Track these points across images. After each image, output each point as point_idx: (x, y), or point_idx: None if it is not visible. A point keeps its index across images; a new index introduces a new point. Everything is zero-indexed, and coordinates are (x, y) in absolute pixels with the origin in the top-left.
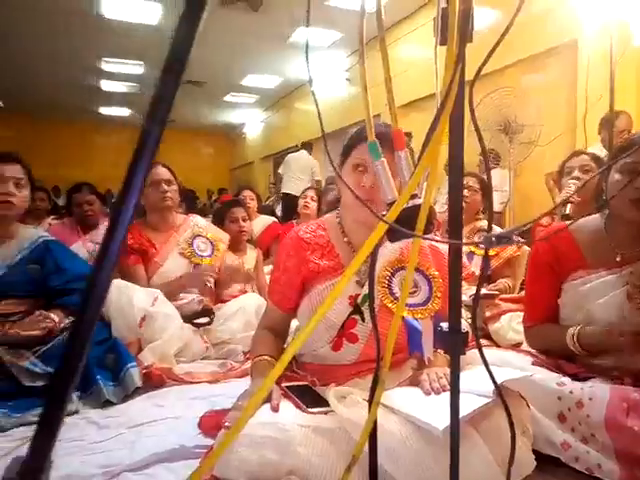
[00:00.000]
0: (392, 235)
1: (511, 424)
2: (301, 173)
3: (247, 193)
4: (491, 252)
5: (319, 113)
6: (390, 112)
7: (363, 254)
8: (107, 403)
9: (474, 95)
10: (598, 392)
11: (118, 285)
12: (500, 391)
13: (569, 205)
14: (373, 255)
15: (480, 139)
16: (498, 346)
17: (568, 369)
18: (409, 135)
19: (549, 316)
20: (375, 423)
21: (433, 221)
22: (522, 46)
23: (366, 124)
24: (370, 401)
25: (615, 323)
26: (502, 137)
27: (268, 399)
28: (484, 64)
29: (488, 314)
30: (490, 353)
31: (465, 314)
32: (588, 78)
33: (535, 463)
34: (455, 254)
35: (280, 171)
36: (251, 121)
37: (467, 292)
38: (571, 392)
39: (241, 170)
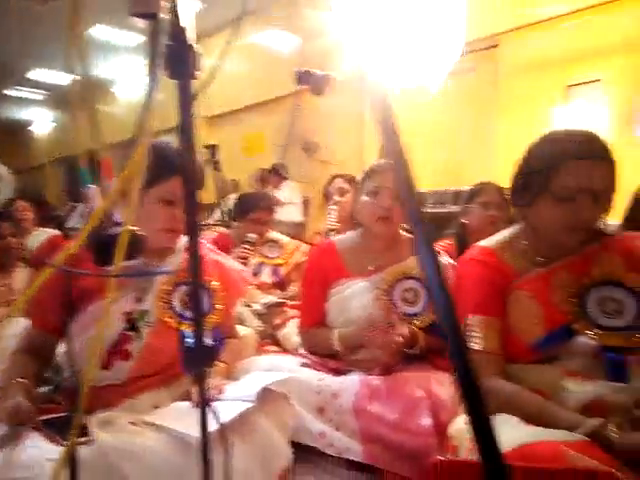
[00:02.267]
0: (98, 261)
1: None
2: None
3: (20, 204)
4: (280, 260)
5: None
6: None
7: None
8: None
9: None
10: (350, 383)
11: None
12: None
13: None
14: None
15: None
16: (285, 351)
17: (332, 365)
18: (214, 147)
19: (320, 320)
20: (73, 453)
21: (139, 245)
22: None
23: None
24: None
25: (367, 320)
26: (302, 154)
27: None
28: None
29: (278, 321)
30: (262, 360)
31: (257, 322)
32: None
33: (292, 455)
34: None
35: None
36: (40, 120)
37: (262, 300)
38: (328, 386)
39: (26, 174)
